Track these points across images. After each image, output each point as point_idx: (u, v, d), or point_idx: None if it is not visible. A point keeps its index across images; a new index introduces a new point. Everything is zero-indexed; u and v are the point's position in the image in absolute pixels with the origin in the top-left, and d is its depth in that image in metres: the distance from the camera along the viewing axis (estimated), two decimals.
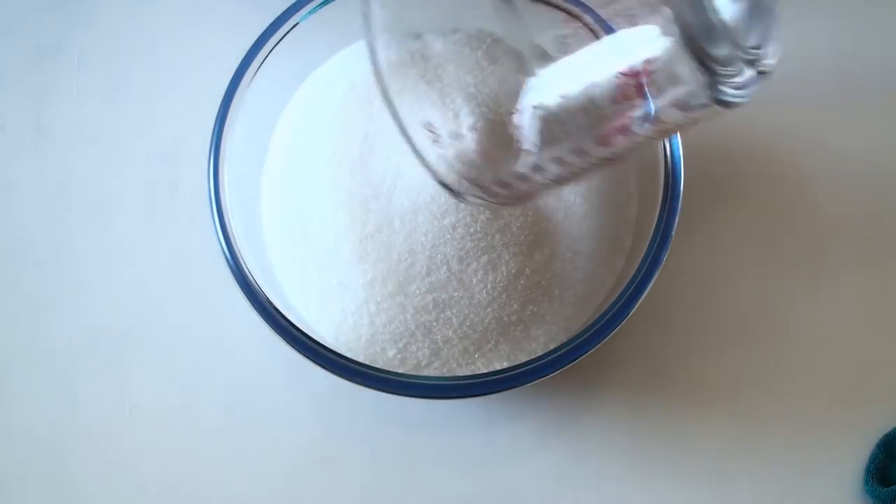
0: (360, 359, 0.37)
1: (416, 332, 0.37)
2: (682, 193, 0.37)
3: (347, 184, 0.38)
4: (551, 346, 0.37)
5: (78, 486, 0.41)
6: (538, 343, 0.38)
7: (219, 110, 0.38)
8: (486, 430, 0.42)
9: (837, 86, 0.47)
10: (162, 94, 0.47)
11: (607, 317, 0.36)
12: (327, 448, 0.42)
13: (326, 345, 0.36)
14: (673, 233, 0.37)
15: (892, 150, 0.47)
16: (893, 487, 0.39)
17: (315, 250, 0.38)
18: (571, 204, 0.38)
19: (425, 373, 0.37)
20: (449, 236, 0.36)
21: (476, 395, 0.36)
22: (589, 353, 0.36)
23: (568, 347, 0.36)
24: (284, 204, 0.40)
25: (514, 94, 0.39)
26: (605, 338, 0.36)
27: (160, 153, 0.46)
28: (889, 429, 0.41)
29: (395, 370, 0.37)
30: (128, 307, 0.43)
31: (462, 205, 0.36)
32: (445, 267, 0.37)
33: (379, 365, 0.37)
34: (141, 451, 0.41)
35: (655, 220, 0.37)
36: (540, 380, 0.35)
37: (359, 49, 0.42)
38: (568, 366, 0.35)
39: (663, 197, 0.37)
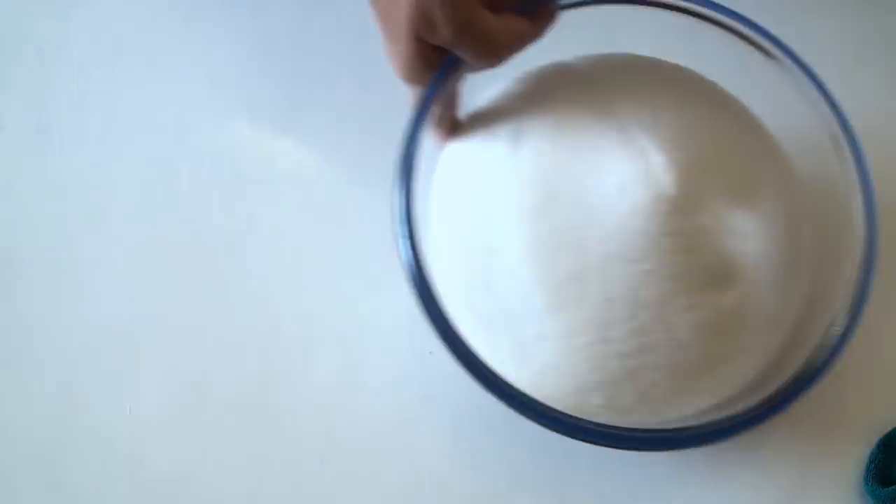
0: (565, 409, 0.36)
1: (621, 379, 0.36)
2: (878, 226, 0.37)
3: (533, 233, 0.37)
4: (751, 377, 0.38)
5: (78, 486, 0.41)
6: (740, 376, 0.38)
7: (405, 143, 0.37)
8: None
9: None
10: (162, 94, 0.47)
11: (823, 357, 0.36)
12: (327, 448, 0.42)
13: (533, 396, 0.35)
14: (875, 264, 0.37)
15: None
16: (893, 487, 0.39)
17: (503, 304, 0.37)
18: (762, 239, 0.38)
19: (632, 417, 0.37)
20: (647, 279, 0.36)
21: (693, 447, 0.36)
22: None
23: (781, 390, 0.36)
24: (461, 254, 0.39)
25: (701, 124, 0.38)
26: (819, 379, 0.36)
27: (160, 153, 0.46)
28: (889, 429, 0.41)
29: (602, 419, 0.36)
30: (128, 307, 0.43)
31: (658, 248, 0.35)
32: (646, 311, 0.36)
33: (584, 414, 0.36)
34: (141, 451, 0.41)
35: (859, 251, 0.37)
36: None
37: (527, 80, 0.41)
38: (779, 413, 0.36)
39: (866, 230, 0.38)
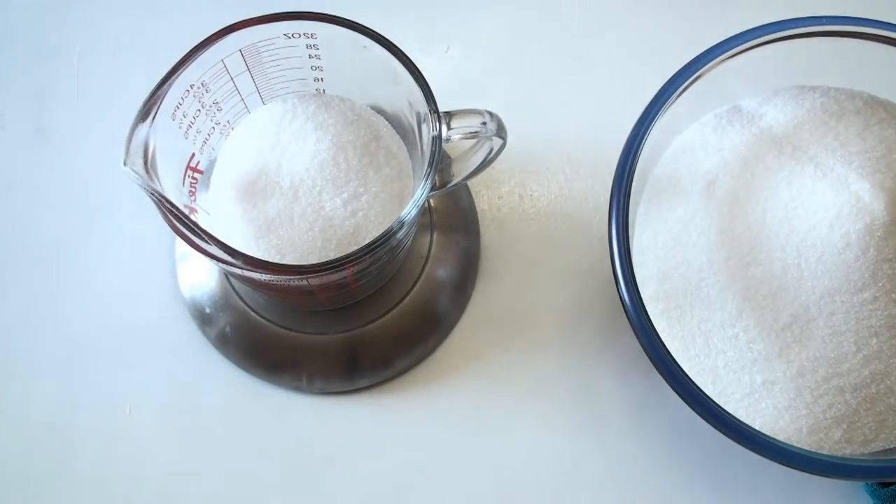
0: (806, 447, 0.36)
1: (858, 409, 0.36)
2: None
3: (745, 283, 0.37)
4: None
5: (78, 486, 0.41)
6: None
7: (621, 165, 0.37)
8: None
9: None
10: None
11: None
12: (327, 448, 0.42)
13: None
14: None
15: None
16: (893, 487, 0.39)
17: (727, 357, 0.37)
18: None
19: (871, 447, 0.37)
20: (872, 307, 0.36)
21: None
22: None
23: None
24: (672, 312, 0.38)
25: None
26: None
27: None
28: None
29: (845, 453, 0.36)
30: (128, 307, 0.43)
31: (880, 274, 0.35)
32: (875, 338, 0.36)
33: (826, 450, 0.36)
34: (141, 450, 0.41)
35: None
36: None
37: (707, 125, 0.41)
38: None
39: None
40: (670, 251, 0.39)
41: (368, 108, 0.38)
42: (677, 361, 0.35)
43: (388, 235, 0.32)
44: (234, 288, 0.43)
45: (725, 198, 0.39)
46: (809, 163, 0.38)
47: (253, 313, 0.42)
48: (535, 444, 0.42)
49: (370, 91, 0.38)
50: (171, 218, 0.31)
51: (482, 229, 0.45)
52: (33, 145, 0.46)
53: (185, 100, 0.34)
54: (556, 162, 0.46)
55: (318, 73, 0.37)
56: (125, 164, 0.30)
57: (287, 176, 0.36)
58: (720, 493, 0.41)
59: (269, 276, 0.32)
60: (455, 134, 0.34)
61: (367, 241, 0.32)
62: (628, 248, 0.36)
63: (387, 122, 0.38)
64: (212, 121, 0.36)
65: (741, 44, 0.38)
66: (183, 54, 0.33)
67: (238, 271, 0.32)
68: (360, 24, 0.34)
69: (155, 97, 0.32)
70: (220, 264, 0.32)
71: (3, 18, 0.48)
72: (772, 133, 0.40)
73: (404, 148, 0.38)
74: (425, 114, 0.34)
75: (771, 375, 0.37)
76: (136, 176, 0.30)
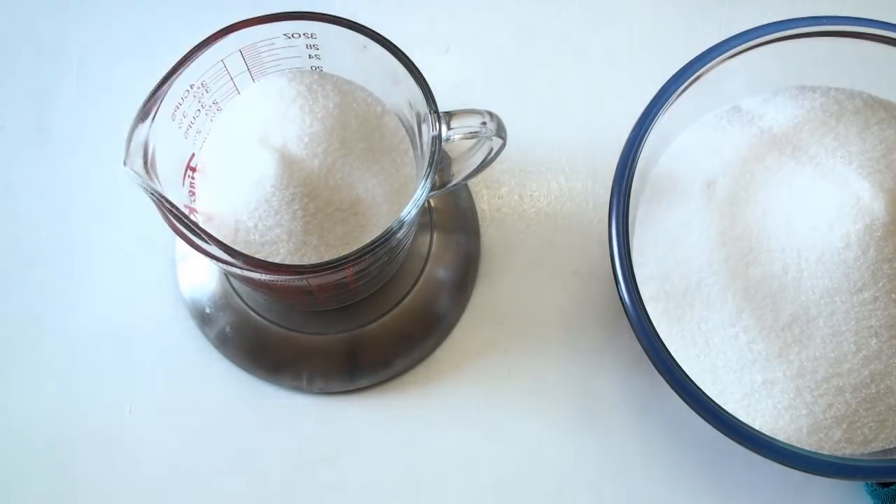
0: (806, 447, 0.36)
1: (858, 409, 0.36)
2: None
3: (745, 283, 0.37)
4: None
5: (78, 486, 0.41)
6: None
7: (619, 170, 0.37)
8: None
9: None
10: None
11: None
12: (327, 448, 0.42)
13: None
14: None
15: None
16: (893, 487, 0.39)
17: (727, 357, 0.37)
18: None
19: (872, 447, 0.37)
20: (872, 307, 0.36)
21: None
22: None
23: None
24: (673, 313, 0.38)
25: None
26: None
27: None
28: None
29: (845, 453, 0.36)
30: (128, 307, 0.43)
31: (880, 274, 0.35)
32: (875, 338, 0.36)
33: (826, 450, 0.36)
34: (141, 450, 0.41)
35: None
36: None
37: (707, 126, 0.41)
38: None
39: None
40: (670, 251, 0.39)
41: (375, 99, 0.38)
42: (677, 361, 0.35)
43: (387, 235, 0.32)
44: (234, 288, 0.43)
45: (725, 198, 0.39)
46: (809, 163, 0.38)
47: (253, 313, 0.42)
48: (535, 444, 0.42)
49: (370, 91, 0.38)
50: (171, 218, 0.31)
51: (482, 229, 0.45)
52: (33, 145, 0.46)
53: (185, 100, 0.34)
54: (556, 162, 0.46)
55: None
56: (125, 164, 0.30)
57: None
58: (720, 493, 0.41)
59: (268, 276, 0.32)
60: (455, 134, 0.34)
61: (367, 241, 0.32)
62: (628, 248, 0.36)
63: (395, 117, 0.38)
64: (212, 121, 0.36)
65: (741, 44, 0.38)
66: (183, 54, 0.33)
67: (238, 271, 0.32)
68: (360, 24, 0.34)
69: (155, 97, 0.32)
70: (220, 264, 0.32)
71: (3, 19, 0.48)
72: (772, 133, 0.40)
73: (409, 147, 0.38)
74: (425, 114, 0.34)
75: (771, 375, 0.37)
76: (136, 176, 0.30)
